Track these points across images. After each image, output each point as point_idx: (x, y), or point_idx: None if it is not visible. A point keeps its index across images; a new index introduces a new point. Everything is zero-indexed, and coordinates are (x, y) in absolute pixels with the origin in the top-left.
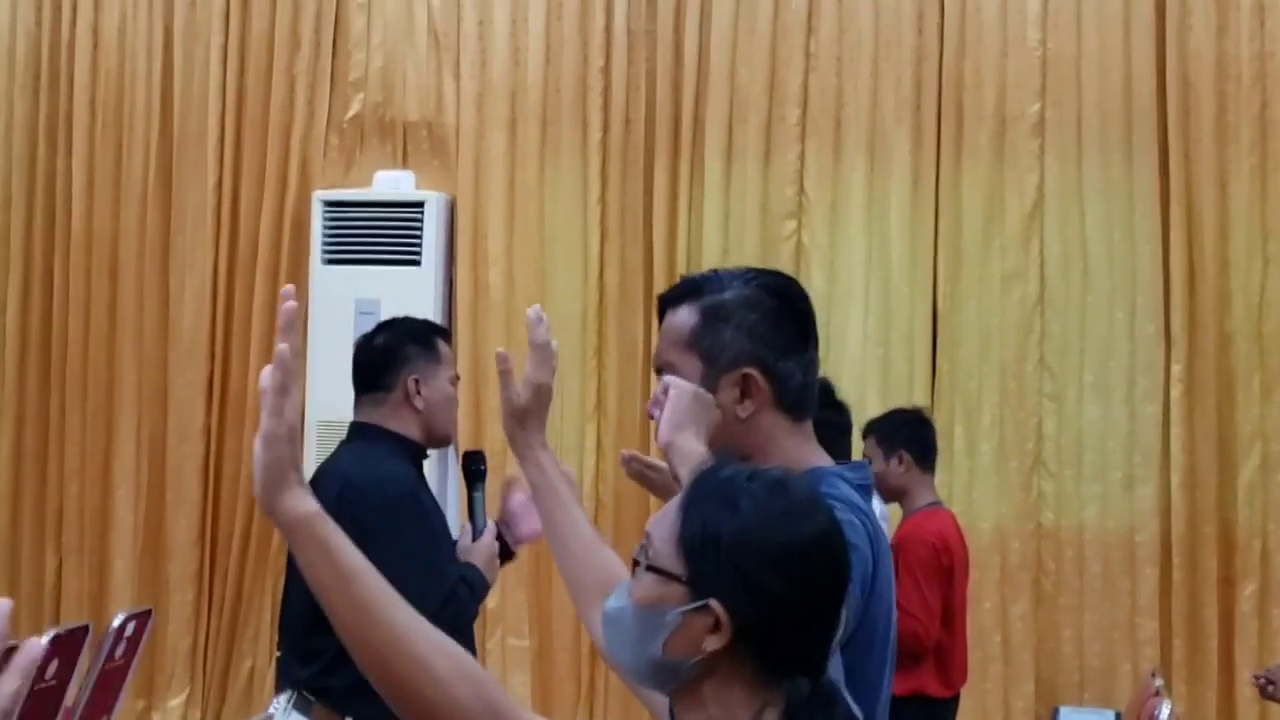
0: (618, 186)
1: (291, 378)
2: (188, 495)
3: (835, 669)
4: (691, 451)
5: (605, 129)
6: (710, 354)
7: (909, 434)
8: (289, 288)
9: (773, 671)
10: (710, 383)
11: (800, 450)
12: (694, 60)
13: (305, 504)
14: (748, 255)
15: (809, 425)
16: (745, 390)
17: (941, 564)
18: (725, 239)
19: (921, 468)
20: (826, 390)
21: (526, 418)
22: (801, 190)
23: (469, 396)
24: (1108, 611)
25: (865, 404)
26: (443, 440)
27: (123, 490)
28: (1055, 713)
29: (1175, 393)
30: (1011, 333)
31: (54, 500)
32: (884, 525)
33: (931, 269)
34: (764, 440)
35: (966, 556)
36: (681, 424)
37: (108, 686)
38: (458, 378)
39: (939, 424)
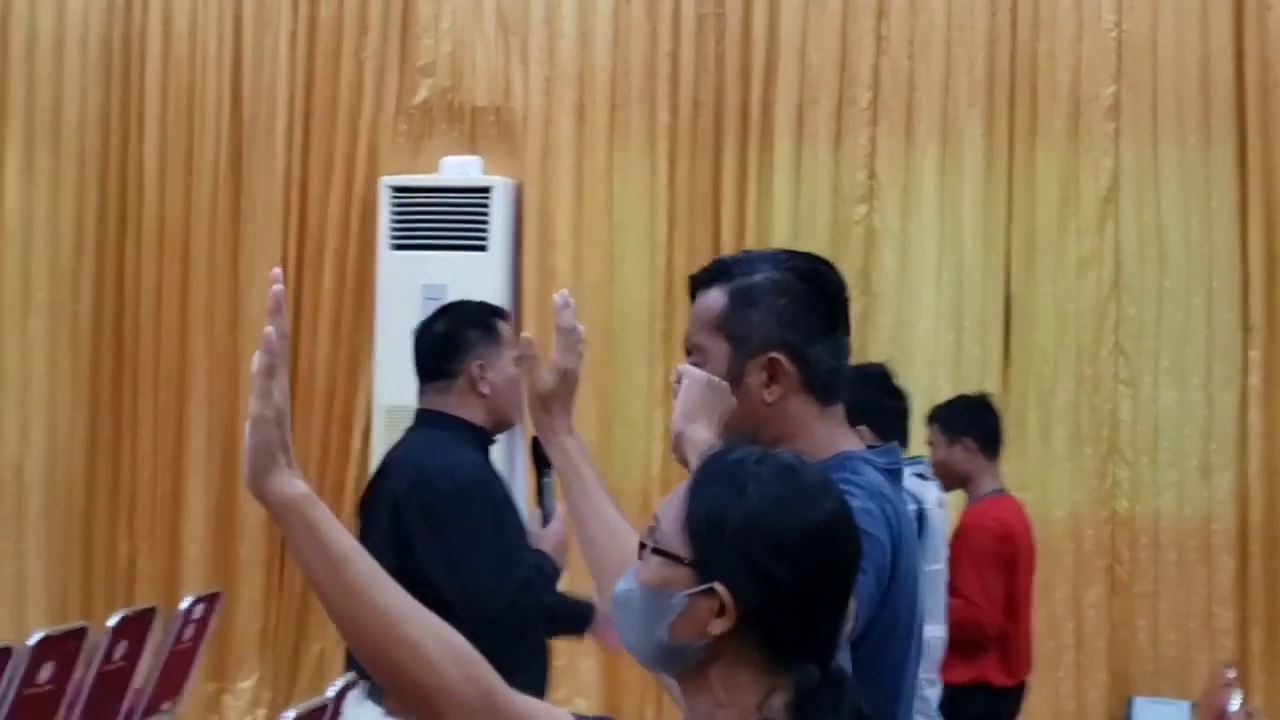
0: (686, 171)
1: (278, 360)
2: None
3: (844, 661)
4: (702, 441)
5: (674, 113)
6: (738, 337)
7: (973, 420)
8: (276, 271)
9: (780, 657)
10: (738, 366)
11: (830, 435)
12: (763, 43)
13: (293, 486)
14: (818, 239)
15: (840, 409)
16: (772, 374)
17: (1004, 551)
18: (795, 223)
19: (986, 454)
20: (884, 376)
21: (552, 403)
22: (872, 174)
23: None
24: (1184, 600)
25: (937, 390)
26: (508, 424)
27: (194, 475)
28: (1129, 703)
29: (1253, 379)
30: (1086, 318)
31: (127, 485)
32: (943, 512)
33: (1004, 254)
34: (792, 424)
35: (1032, 544)
36: (693, 414)
37: (176, 668)
38: (520, 357)
39: (1012, 410)
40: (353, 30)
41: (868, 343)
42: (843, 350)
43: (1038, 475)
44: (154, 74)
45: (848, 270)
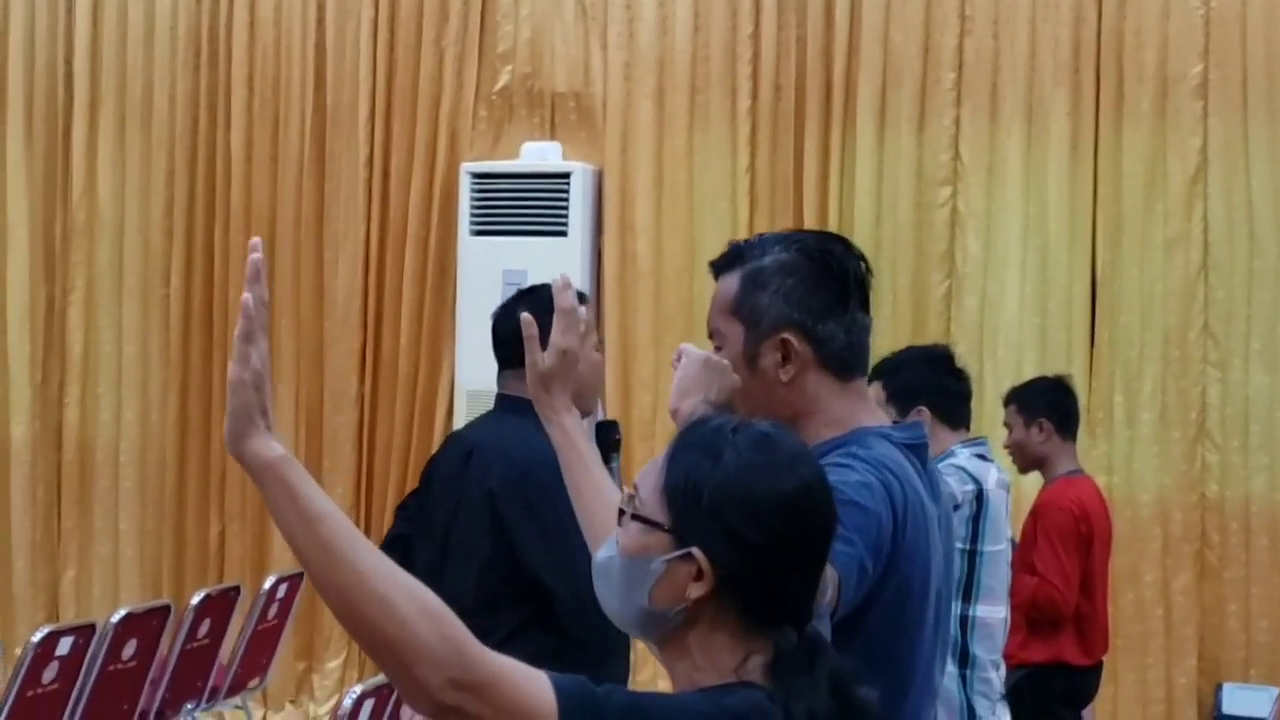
0: (767, 154)
1: (255, 325)
2: (343, 462)
3: (824, 629)
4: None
5: (754, 96)
6: (751, 319)
7: (1049, 401)
8: (256, 240)
9: (757, 621)
10: (752, 347)
11: (849, 410)
12: (845, 24)
13: (270, 448)
14: (901, 223)
15: (860, 385)
16: (785, 354)
17: (1080, 531)
18: (878, 206)
19: (1062, 435)
20: (946, 358)
21: (551, 381)
22: (957, 156)
23: (617, 367)
24: (1275, 586)
25: (1022, 372)
26: (588, 410)
27: None
28: (1218, 689)
29: None
30: (1174, 299)
31: (217, 467)
32: (1004, 494)
33: (1090, 235)
34: (809, 402)
35: (1109, 525)
36: (688, 390)
37: (261, 646)
38: (601, 343)
39: (1098, 393)
40: (433, 18)
41: (952, 326)
42: (857, 326)
43: (1124, 459)
44: (240, 63)
45: (932, 253)
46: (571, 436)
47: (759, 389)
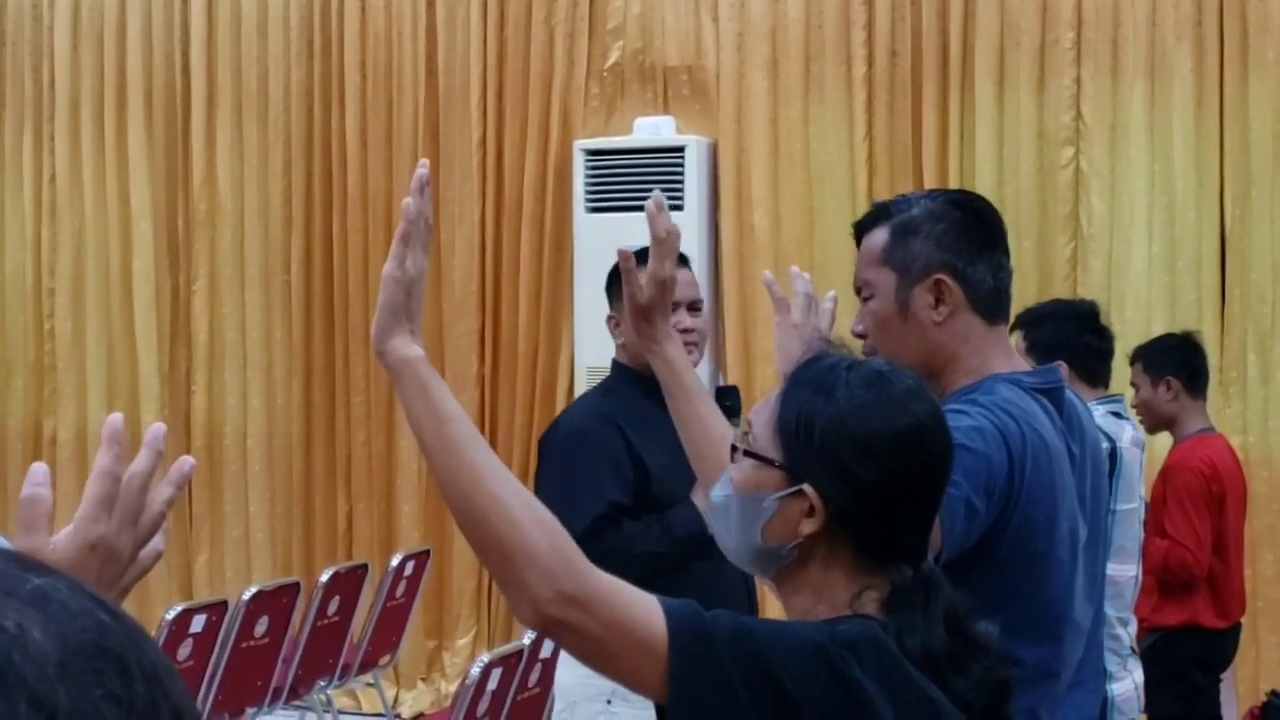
0: (885, 121)
1: (413, 229)
2: None
3: None
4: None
5: (870, 62)
6: (902, 266)
7: (1178, 359)
8: (425, 160)
9: (871, 557)
10: (904, 292)
11: (987, 358)
12: None
13: (411, 349)
14: (1023, 185)
15: (1002, 330)
16: (939, 295)
17: (1211, 491)
18: (999, 169)
19: (1191, 394)
20: (1091, 315)
21: (651, 312)
22: (1078, 115)
23: (738, 339)
24: None
25: (1151, 333)
26: None
27: (406, 439)
28: None
29: None
30: None
31: (343, 449)
32: (1138, 452)
33: (1219, 192)
34: (961, 342)
35: (1243, 484)
36: (792, 354)
37: (391, 623)
38: (701, 304)
39: (1230, 352)
40: None
41: (1079, 288)
42: (1002, 269)
43: (1259, 418)
44: (352, 50)
45: (1056, 215)
46: (675, 366)
47: (912, 334)
